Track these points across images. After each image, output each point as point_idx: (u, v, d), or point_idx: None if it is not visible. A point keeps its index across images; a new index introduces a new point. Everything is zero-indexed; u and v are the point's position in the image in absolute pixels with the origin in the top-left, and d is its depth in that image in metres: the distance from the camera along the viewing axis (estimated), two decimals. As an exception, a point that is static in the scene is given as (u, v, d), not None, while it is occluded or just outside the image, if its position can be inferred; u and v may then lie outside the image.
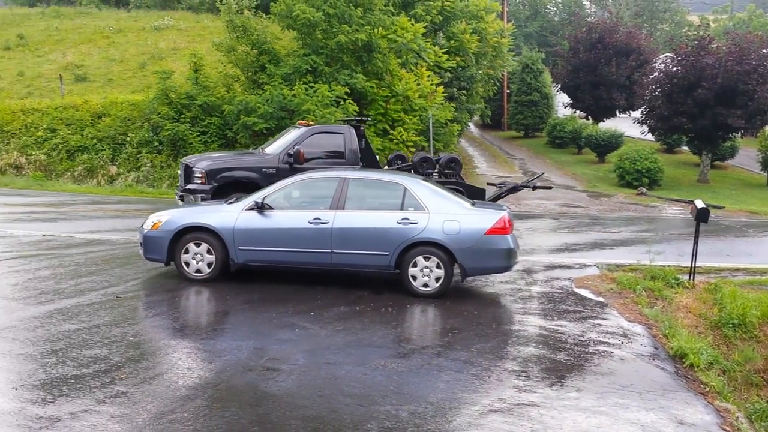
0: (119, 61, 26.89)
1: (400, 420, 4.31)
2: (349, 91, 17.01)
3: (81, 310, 6.47)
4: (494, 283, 8.70)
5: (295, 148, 10.71)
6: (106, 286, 7.52)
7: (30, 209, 13.83)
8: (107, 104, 20.26)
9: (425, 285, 7.64)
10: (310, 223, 7.68)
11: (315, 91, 16.41)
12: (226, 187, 10.51)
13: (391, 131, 17.95)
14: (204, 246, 7.85)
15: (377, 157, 12.63)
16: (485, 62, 26.06)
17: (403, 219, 7.61)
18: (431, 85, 19.61)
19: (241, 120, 16.56)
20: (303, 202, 8.07)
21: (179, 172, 11.50)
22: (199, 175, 10.58)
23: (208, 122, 18.02)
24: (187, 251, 7.87)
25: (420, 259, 7.61)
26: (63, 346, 5.38)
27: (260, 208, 7.79)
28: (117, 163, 18.78)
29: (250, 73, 18.76)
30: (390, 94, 18.17)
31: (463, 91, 24.17)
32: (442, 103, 19.81)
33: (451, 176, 11.81)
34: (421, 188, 7.91)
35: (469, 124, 34.60)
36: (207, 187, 10.52)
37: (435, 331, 6.71)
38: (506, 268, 7.96)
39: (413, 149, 18.23)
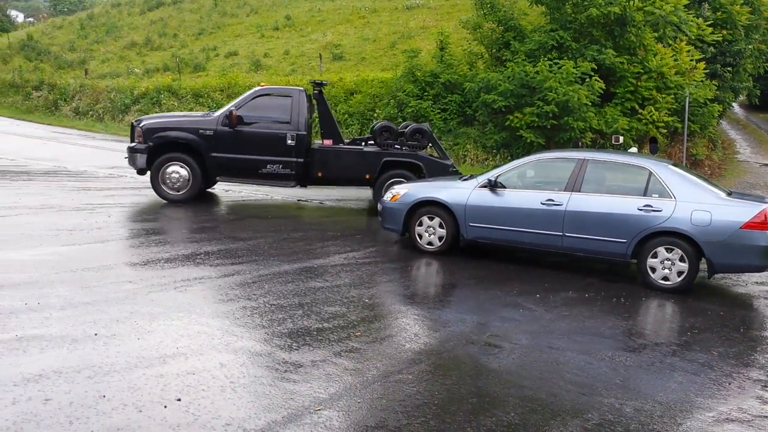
0: (372, 41, 28.54)
1: (624, 415, 4.11)
2: (596, 68, 16.20)
3: (325, 270, 7.12)
4: (747, 283, 7.81)
5: (230, 109, 10.35)
6: (348, 250, 8.17)
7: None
8: (359, 82, 21.68)
9: (665, 278, 7.11)
10: (543, 204, 7.55)
11: (559, 68, 15.89)
12: (162, 147, 10.45)
13: (640, 110, 16.75)
14: (437, 220, 8.14)
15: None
16: (756, 36, 22.98)
17: (645, 206, 7.14)
18: (691, 61, 17.87)
19: (480, 98, 16.67)
20: (537, 182, 7.96)
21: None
22: (138, 134, 10.53)
23: (449, 99, 18.42)
24: (420, 224, 8.23)
25: (661, 250, 7.09)
26: (309, 301, 5.98)
27: (493, 186, 7.84)
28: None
29: (493, 50, 18.74)
30: (642, 71, 16.92)
31: (728, 68, 21.63)
32: (702, 81, 17.98)
33: (415, 148, 10.74)
34: (669, 174, 7.33)
35: (733, 104, 30.95)
36: (143, 147, 10.44)
37: (672, 328, 6.24)
38: (763, 268, 7.08)
39: (664, 131, 16.86)
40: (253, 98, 10.61)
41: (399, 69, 20.19)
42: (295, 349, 4.81)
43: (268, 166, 10.41)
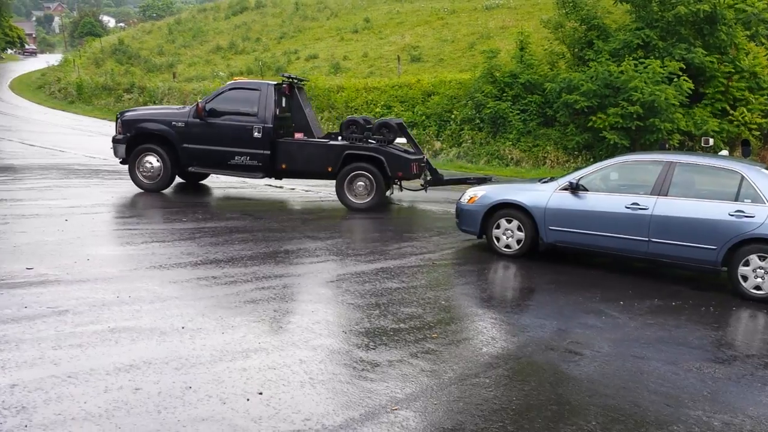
0: (450, 42, 28.44)
1: (711, 428, 3.94)
2: (684, 67, 15.59)
3: (402, 271, 7.14)
4: None
5: (197, 102, 10.55)
6: (424, 252, 8.17)
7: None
8: (437, 83, 21.63)
9: (758, 288, 6.75)
10: (627, 208, 7.32)
11: (645, 67, 15.38)
12: (139, 138, 10.99)
13: (732, 111, 16.00)
14: (515, 223, 8.01)
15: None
16: None
17: (737, 211, 6.81)
18: (786, 60, 16.95)
19: (562, 98, 16.33)
20: (621, 185, 7.72)
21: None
22: (119, 126, 11.13)
23: (529, 100, 18.13)
24: (498, 226, 8.12)
25: (754, 258, 6.74)
26: (385, 301, 6.02)
27: (574, 189, 7.66)
28: (441, 138, 20.00)
29: (576, 50, 18.34)
30: (733, 70, 16.17)
31: (830, 66, 20.35)
32: (799, 81, 17.00)
33: (381, 142, 10.49)
34: (762, 178, 6.96)
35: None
36: (122, 138, 11.04)
37: (764, 339, 5.92)
38: None
39: (757, 133, 16.03)
40: (225, 92, 11.06)
41: (477, 70, 20.02)
42: (372, 349, 4.85)
43: (236, 158, 10.78)
